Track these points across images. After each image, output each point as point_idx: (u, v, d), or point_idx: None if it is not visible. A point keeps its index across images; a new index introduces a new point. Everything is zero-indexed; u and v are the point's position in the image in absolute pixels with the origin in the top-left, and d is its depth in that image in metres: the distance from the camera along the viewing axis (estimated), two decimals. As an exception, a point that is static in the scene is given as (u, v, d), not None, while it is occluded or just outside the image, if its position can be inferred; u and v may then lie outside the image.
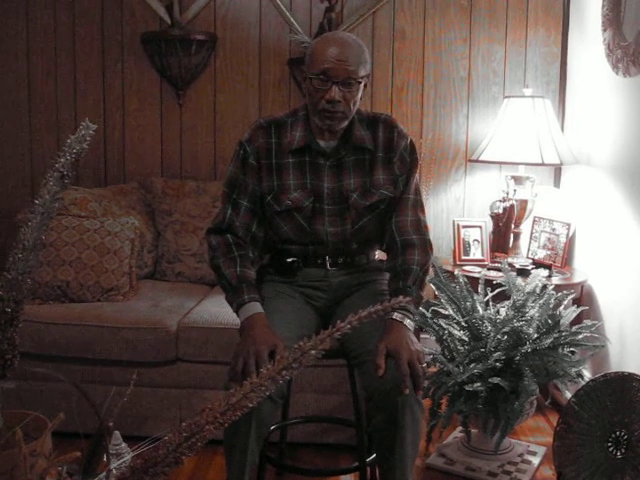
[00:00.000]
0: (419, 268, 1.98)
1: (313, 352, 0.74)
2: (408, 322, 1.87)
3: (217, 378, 2.57)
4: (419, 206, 2.08)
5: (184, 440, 0.82)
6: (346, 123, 1.97)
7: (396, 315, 1.86)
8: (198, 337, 2.60)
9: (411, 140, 2.10)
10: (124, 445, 1.24)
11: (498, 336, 2.33)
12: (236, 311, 1.94)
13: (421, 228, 2.05)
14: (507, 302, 2.46)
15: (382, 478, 1.89)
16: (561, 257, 3.04)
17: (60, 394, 2.57)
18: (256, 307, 1.91)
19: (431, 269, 2.52)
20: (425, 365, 1.81)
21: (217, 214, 2.07)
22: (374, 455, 2.21)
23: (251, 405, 0.78)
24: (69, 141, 0.91)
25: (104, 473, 0.99)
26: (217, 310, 2.69)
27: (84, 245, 2.83)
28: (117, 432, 1.24)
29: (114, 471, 1.07)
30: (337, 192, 2.01)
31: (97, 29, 3.45)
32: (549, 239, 3.11)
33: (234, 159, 2.05)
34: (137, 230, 2.96)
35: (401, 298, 0.83)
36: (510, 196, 3.08)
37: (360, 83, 1.92)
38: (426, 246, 2.04)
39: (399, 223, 2.04)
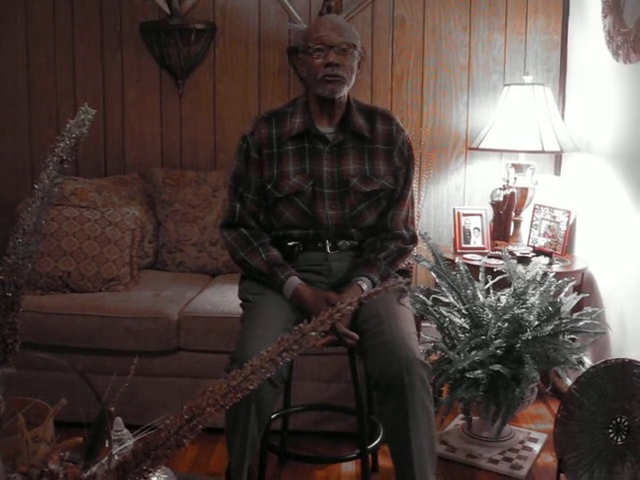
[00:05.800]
0: (396, 249, 2.09)
1: (313, 334, 0.74)
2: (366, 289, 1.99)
3: (218, 367, 2.56)
4: (411, 200, 2.20)
5: (185, 422, 0.82)
6: (346, 91, 2.04)
7: (360, 282, 1.99)
8: (199, 326, 2.60)
9: (407, 135, 2.17)
10: (126, 431, 1.24)
11: (499, 323, 2.33)
12: (279, 292, 2.03)
13: (409, 223, 2.18)
14: (508, 290, 2.46)
15: (397, 468, 1.88)
16: (561, 245, 3.04)
17: (62, 383, 2.57)
18: (295, 280, 2.01)
19: (431, 257, 2.54)
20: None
21: (227, 210, 2.15)
22: (375, 442, 2.23)
23: (252, 387, 0.78)
24: (68, 126, 0.91)
25: (106, 458, 1.00)
26: (218, 299, 2.70)
27: (85, 235, 2.83)
28: (119, 418, 1.24)
29: (116, 456, 1.07)
30: (337, 176, 2.07)
31: (96, 19, 3.43)
32: (549, 227, 3.11)
33: (238, 153, 2.12)
34: (138, 220, 2.96)
35: (401, 279, 0.83)
36: (510, 184, 3.07)
37: (355, 50, 2.01)
38: (412, 240, 2.16)
39: (395, 217, 2.13)
